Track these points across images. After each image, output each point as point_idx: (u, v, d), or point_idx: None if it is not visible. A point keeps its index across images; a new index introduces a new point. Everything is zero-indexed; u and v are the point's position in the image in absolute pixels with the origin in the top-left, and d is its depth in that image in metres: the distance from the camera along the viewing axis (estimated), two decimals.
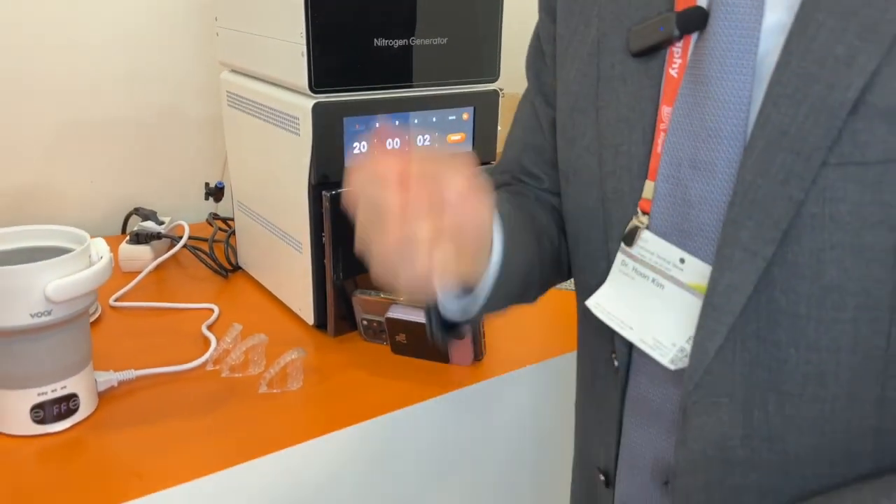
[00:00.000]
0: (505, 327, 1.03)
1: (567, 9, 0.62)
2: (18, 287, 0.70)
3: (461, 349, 0.93)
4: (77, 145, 1.30)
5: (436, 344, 0.64)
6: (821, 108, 0.45)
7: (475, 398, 0.90)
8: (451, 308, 0.60)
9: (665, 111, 0.53)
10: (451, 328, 0.63)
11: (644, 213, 0.55)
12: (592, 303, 0.58)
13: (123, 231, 1.34)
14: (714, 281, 0.50)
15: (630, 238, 0.56)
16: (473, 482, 0.93)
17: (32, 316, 0.71)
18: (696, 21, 0.51)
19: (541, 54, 0.67)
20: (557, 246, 0.67)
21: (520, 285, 0.63)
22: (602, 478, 0.64)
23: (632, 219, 0.56)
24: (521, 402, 0.95)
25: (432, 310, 0.61)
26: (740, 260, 0.48)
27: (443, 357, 0.93)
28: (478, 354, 0.94)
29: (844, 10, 0.44)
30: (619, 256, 0.57)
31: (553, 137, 0.65)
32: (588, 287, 0.61)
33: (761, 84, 0.48)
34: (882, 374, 0.47)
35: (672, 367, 0.53)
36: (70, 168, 1.31)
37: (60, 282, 0.71)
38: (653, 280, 0.55)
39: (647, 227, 0.55)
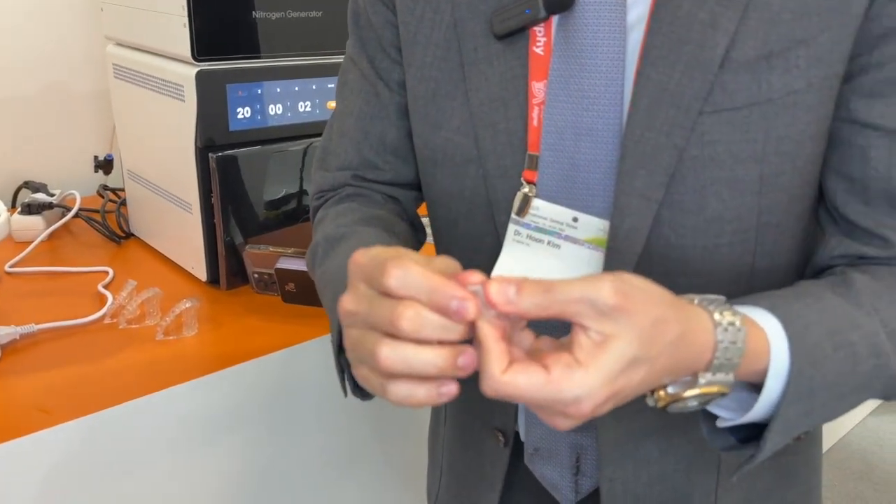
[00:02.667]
0: None
1: None
2: None
3: None
4: None
5: (357, 397, 0.59)
6: (694, 65, 0.51)
7: None
8: None
9: (536, 86, 0.57)
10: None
11: (529, 182, 0.58)
12: (495, 276, 0.61)
13: (13, 206, 1.36)
14: (615, 228, 0.54)
15: (522, 208, 0.59)
16: (363, 413, 1.04)
17: None
18: (563, 1, 0.55)
19: (374, 40, 0.65)
20: (413, 244, 0.68)
21: None
22: (501, 438, 0.67)
23: (518, 190, 0.58)
24: None
25: (343, 360, 0.57)
26: (637, 206, 0.53)
27: None
28: None
29: None
30: (511, 227, 0.59)
31: (401, 123, 0.65)
32: (471, 264, 0.64)
33: (633, 53, 0.54)
34: (747, 288, 0.55)
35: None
36: None
37: None
38: (548, 242, 0.58)
39: (536, 196, 0.58)
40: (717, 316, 0.45)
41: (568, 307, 0.40)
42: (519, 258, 0.59)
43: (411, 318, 0.39)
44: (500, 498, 0.69)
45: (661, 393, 0.45)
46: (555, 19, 0.56)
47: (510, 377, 0.39)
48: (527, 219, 0.58)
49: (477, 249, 0.63)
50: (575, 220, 0.57)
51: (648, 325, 0.41)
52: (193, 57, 0.95)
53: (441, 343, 0.40)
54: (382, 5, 0.64)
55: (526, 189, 0.58)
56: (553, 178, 0.57)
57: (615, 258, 0.55)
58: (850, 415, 2.52)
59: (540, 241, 0.58)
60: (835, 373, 0.49)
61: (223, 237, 1.02)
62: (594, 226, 0.56)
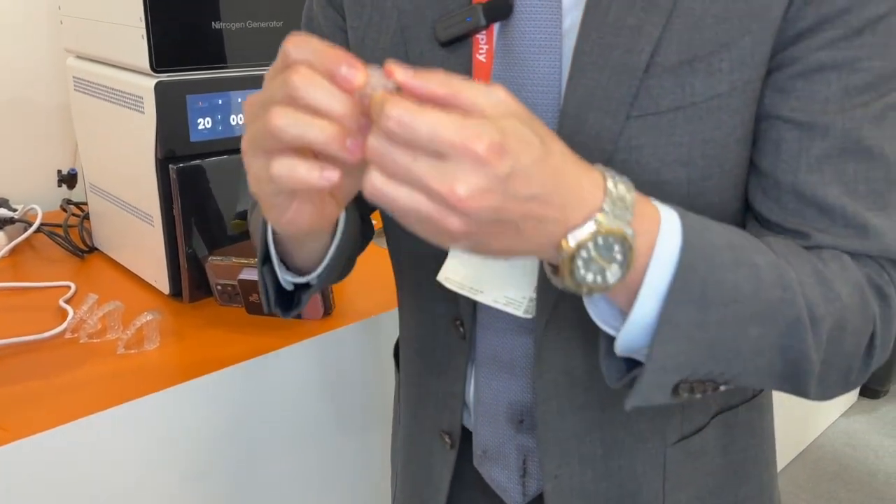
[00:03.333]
0: (351, 285, 1.13)
1: (357, 1, 0.63)
2: None
3: (311, 305, 1.02)
4: None
5: (277, 311, 0.63)
6: (621, 70, 0.52)
7: (325, 346, 1.00)
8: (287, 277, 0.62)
9: None
10: (285, 300, 0.65)
11: None
12: (442, 277, 0.61)
13: None
14: None
15: None
16: (332, 425, 1.03)
17: None
18: (501, 9, 0.56)
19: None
20: (358, 227, 0.69)
21: (348, 257, 0.65)
22: (448, 440, 0.68)
23: None
24: (370, 349, 1.06)
25: (266, 272, 0.62)
26: None
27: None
28: (327, 309, 1.04)
29: None
30: None
31: None
32: (415, 259, 0.66)
33: (568, 55, 0.55)
34: None
35: (528, 316, 0.58)
36: None
37: None
38: None
39: None
40: (607, 174, 0.45)
41: (461, 93, 0.40)
42: (466, 261, 0.60)
43: (302, 73, 0.40)
44: (449, 500, 0.69)
45: (564, 242, 0.43)
46: (496, 27, 0.57)
47: (421, 111, 0.38)
48: None
49: (421, 245, 0.61)
50: None
51: (538, 124, 0.42)
52: (152, 68, 0.94)
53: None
54: (333, 10, 0.65)
55: None
56: None
57: None
58: (822, 415, 2.54)
59: None
60: (734, 287, 0.47)
61: (185, 249, 1.02)
62: None
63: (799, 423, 2.43)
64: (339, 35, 0.65)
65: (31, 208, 1.26)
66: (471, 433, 0.68)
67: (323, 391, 1.01)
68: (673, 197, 0.53)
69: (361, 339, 1.04)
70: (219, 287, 1.04)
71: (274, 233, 0.60)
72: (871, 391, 2.75)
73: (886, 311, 0.52)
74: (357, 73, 0.40)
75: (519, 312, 0.59)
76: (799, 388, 0.52)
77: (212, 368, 0.89)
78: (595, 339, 0.53)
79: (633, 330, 0.47)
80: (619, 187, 0.44)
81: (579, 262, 0.44)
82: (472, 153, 0.38)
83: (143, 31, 0.92)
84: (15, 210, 1.26)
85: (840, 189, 0.52)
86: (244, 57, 1.02)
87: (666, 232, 0.46)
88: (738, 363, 0.49)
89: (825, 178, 0.52)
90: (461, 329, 0.64)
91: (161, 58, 0.94)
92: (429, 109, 0.38)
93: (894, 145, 0.52)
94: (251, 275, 1.00)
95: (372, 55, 0.62)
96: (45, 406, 0.80)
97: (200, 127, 0.99)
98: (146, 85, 0.95)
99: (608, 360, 0.51)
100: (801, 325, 0.49)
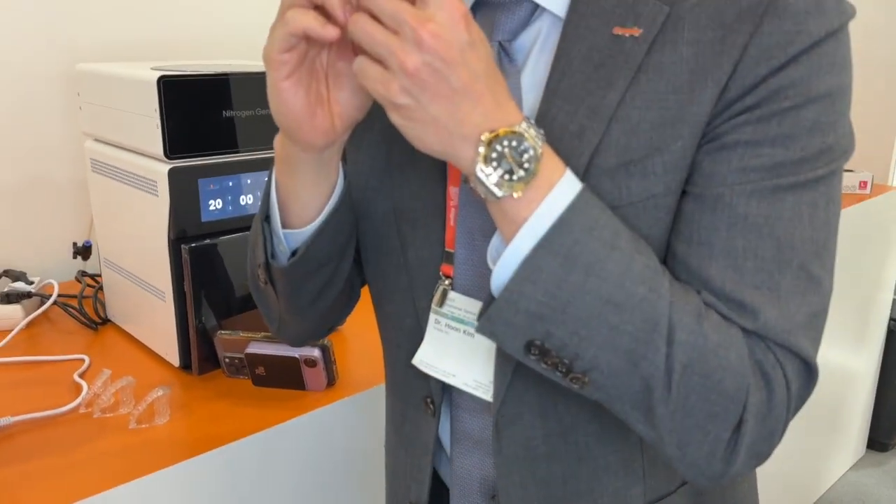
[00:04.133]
0: (354, 356, 1.17)
1: None
2: None
3: (315, 377, 1.06)
4: None
5: (262, 282, 0.69)
6: None
7: (330, 417, 1.03)
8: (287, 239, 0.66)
9: (452, 190, 0.63)
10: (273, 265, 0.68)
11: (446, 276, 0.64)
12: (417, 360, 0.66)
13: None
14: None
15: (441, 300, 0.65)
16: (341, 495, 1.06)
17: None
18: None
19: None
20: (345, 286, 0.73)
21: (342, 248, 0.68)
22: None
23: (436, 282, 0.65)
24: (372, 418, 1.09)
25: (266, 227, 0.66)
26: None
27: (299, 385, 1.06)
28: (331, 380, 1.07)
29: (574, 98, 0.57)
30: (433, 317, 0.65)
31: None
32: (394, 341, 0.71)
33: None
34: None
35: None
36: None
37: None
38: (464, 331, 0.64)
39: (453, 288, 0.64)
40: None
41: None
42: (440, 346, 0.65)
43: None
44: None
45: (485, 134, 0.50)
46: None
47: None
48: (445, 309, 0.65)
49: (400, 328, 0.69)
50: None
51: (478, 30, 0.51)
52: (166, 155, 1.00)
53: None
54: None
55: (445, 283, 0.64)
56: (467, 273, 0.63)
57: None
58: (831, 469, 2.54)
59: (457, 329, 0.64)
60: (600, 262, 0.51)
61: (195, 324, 1.06)
62: None
63: (808, 476, 2.43)
64: None
65: (48, 282, 1.30)
66: (447, 500, 0.72)
67: (327, 461, 1.04)
68: None
69: (364, 408, 1.07)
70: (227, 360, 1.08)
71: (277, 189, 0.65)
72: (879, 444, 2.74)
73: (768, 395, 0.53)
74: None
75: (487, 396, 0.64)
76: (654, 432, 0.54)
77: (221, 442, 0.92)
78: (552, 416, 0.59)
79: (507, 264, 0.52)
80: (537, 130, 0.52)
81: (494, 154, 0.50)
82: (450, 11, 0.48)
83: (158, 122, 0.98)
84: (32, 283, 1.31)
85: (725, 263, 0.54)
86: (253, 141, 1.08)
87: (563, 185, 0.52)
88: (591, 348, 0.52)
89: (713, 251, 0.54)
90: (431, 406, 0.69)
91: (174, 146, 1.00)
92: None
93: (789, 228, 0.53)
94: (257, 348, 1.04)
95: (358, 149, 0.69)
96: (59, 483, 0.84)
97: (211, 208, 1.04)
98: (160, 170, 1.01)
99: (487, 298, 0.55)
100: (658, 335, 0.51)
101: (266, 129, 1.08)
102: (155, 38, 1.54)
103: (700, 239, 0.55)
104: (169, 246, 1.03)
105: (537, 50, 0.61)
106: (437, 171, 0.64)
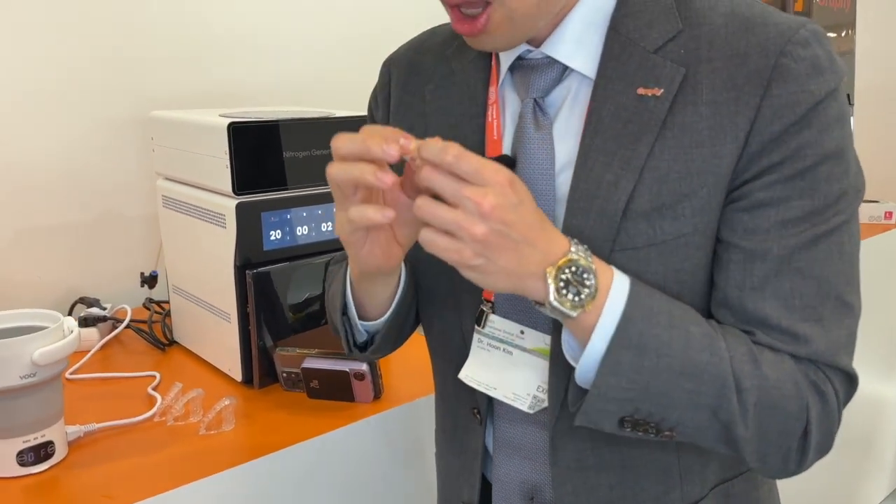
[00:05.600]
0: (398, 371, 1.27)
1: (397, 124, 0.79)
2: (11, 355, 0.90)
3: (364, 389, 1.17)
4: (28, 245, 1.50)
5: (351, 355, 0.80)
6: (602, 215, 0.65)
7: (377, 426, 1.13)
8: (360, 328, 0.77)
9: None
10: (358, 345, 0.79)
11: (487, 300, 0.73)
12: (463, 375, 0.74)
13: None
14: (555, 342, 0.68)
15: (480, 320, 0.73)
16: (388, 497, 1.15)
17: (21, 377, 0.91)
18: (507, 165, 0.65)
19: None
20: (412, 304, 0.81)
21: (408, 320, 0.79)
22: None
23: (479, 305, 0.73)
24: (415, 428, 1.19)
25: (344, 321, 0.76)
26: None
27: (349, 397, 1.17)
28: (377, 393, 1.18)
29: (608, 151, 0.65)
30: (476, 336, 0.73)
31: None
32: (444, 356, 0.80)
33: (561, 202, 0.68)
34: None
35: (531, 411, 0.71)
36: (23, 264, 1.50)
37: (44, 349, 0.92)
38: (503, 350, 0.72)
39: (493, 311, 0.72)
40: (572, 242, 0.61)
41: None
42: (483, 362, 0.73)
43: (340, 138, 0.61)
44: None
45: (549, 268, 0.59)
46: None
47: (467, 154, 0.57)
48: (486, 330, 0.73)
49: (448, 346, 0.78)
50: (522, 332, 0.71)
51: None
52: (234, 191, 1.13)
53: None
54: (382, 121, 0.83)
55: (485, 307, 0.73)
56: (505, 299, 0.72)
57: (557, 364, 0.69)
58: (867, 498, 2.54)
59: (497, 347, 0.73)
60: (666, 343, 0.60)
61: (257, 342, 1.18)
62: (539, 338, 0.71)
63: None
64: None
65: (121, 307, 1.44)
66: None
67: (374, 465, 1.14)
68: None
69: (407, 419, 1.17)
70: (284, 374, 1.19)
71: (351, 288, 0.75)
72: None
73: (824, 406, 0.63)
74: (411, 141, 0.59)
75: (524, 407, 0.71)
76: (738, 453, 0.63)
77: (280, 447, 1.03)
78: (600, 433, 0.65)
79: (587, 363, 0.61)
80: (580, 246, 0.61)
81: (561, 283, 0.59)
82: (499, 182, 0.56)
83: (227, 162, 1.12)
84: (105, 308, 1.44)
85: (777, 303, 0.63)
86: (308, 178, 1.21)
87: (617, 287, 0.61)
88: (675, 412, 0.61)
89: (765, 294, 0.63)
90: (478, 416, 0.77)
91: (241, 183, 1.13)
92: (471, 154, 0.57)
93: (825, 267, 0.63)
94: (312, 363, 1.15)
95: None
96: (141, 479, 0.95)
97: (272, 238, 1.17)
98: (229, 205, 1.13)
99: (574, 390, 0.65)
100: (728, 389, 0.60)
101: (318, 168, 1.21)
102: (213, 87, 1.69)
103: (753, 285, 0.64)
104: (235, 272, 1.15)
105: (568, 105, 0.69)
106: None
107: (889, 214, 2.43)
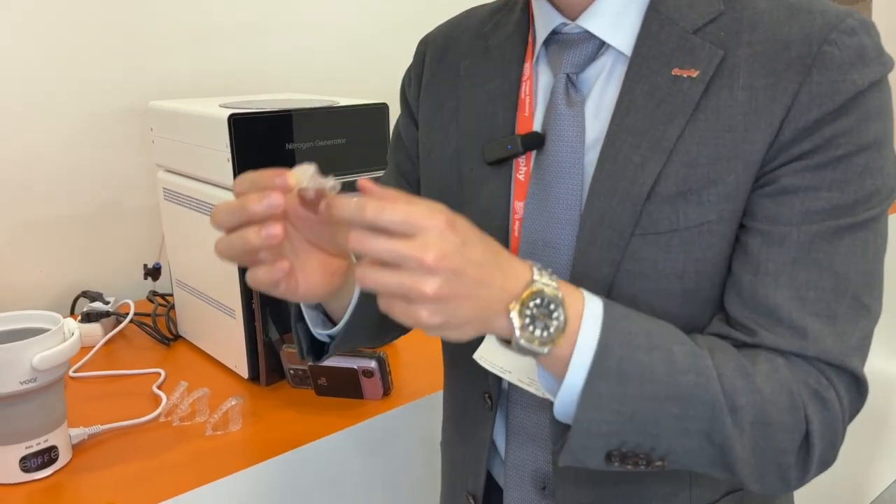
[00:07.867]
0: (407, 367, 1.25)
1: (428, 125, 0.79)
2: (10, 360, 0.88)
3: (373, 386, 1.14)
4: (29, 239, 1.47)
5: (309, 362, 0.78)
6: (626, 197, 0.63)
7: (386, 424, 1.11)
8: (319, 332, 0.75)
9: (517, 205, 0.70)
10: (318, 349, 0.77)
11: None
12: (478, 355, 0.71)
13: (72, 312, 1.50)
14: None
15: None
16: (398, 494, 1.13)
17: (21, 383, 0.89)
18: (535, 142, 0.69)
19: (403, 149, 0.84)
20: None
21: (375, 327, 0.76)
22: (471, 500, 0.80)
23: None
24: (425, 425, 1.16)
25: (300, 328, 0.75)
26: None
27: (358, 394, 1.14)
28: (386, 390, 1.15)
29: (637, 131, 0.63)
30: None
31: None
32: (461, 344, 0.76)
33: (587, 182, 0.66)
34: None
35: (547, 395, 0.66)
36: (25, 259, 1.47)
37: (44, 354, 0.89)
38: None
39: None
40: (532, 262, 0.56)
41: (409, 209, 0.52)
42: (496, 343, 0.69)
43: (217, 208, 0.59)
44: None
45: (512, 304, 0.54)
46: (533, 154, 0.70)
47: (392, 204, 0.51)
48: None
49: None
50: None
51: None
52: None
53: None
54: (414, 127, 0.82)
55: None
56: None
57: None
58: (880, 476, 2.53)
59: None
60: (648, 368, 0.56)
61: (263, 338, 1.15)
62: None
63: (855, 484, 2.42)
64: (414, 146, 0.82)
65: (124, 302, 1.41)
66: (497, 494, 0.79)
67: (384, 463, 1.12)
68: (670, 304, 0.64)
69: (417, 415, 1.15)
70: (291, 371, 1.17)
71: None
72: None
73: (826, 414, 0.59)
74: (288, 177, 0.57)
75: (539, 392, 0.68)
76: (734, 476, 0.59)
77: (289, 447, 1.01)
78: None
79: (566, 398, 0.57)
80: (544, 271, 0.56)
81: (527, 319, 0.54)
82: (435, 226, 0.51)
83: (229, 155, 1.08)
84: (108, 303, 1.42)
85: (790, 293, 0.60)
86: None
87: (589, 313, 0.57)
88: (665, 440, 0.57)
89: (779, 282, 0.60)
90: (489, 402, 0.75)
91: None
92: (399, 202, 0.51)
93: (845, 263, 0.60)
94: None
95: (434, 166, 0.78)
96: (147, 483, 0.93)
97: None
98: (230, 198, 1.10)
99: (554, 425, 0.61)
100: (719, 411, 0.57)
101: (324, 159, 1.18)
102: (216, 71, 1.65)
103: (767, 270, 0.61)
104: (239, 267, 1.12)
105: (602, 82, 0.67)
106: (504, 187, 0.71)
107: None
